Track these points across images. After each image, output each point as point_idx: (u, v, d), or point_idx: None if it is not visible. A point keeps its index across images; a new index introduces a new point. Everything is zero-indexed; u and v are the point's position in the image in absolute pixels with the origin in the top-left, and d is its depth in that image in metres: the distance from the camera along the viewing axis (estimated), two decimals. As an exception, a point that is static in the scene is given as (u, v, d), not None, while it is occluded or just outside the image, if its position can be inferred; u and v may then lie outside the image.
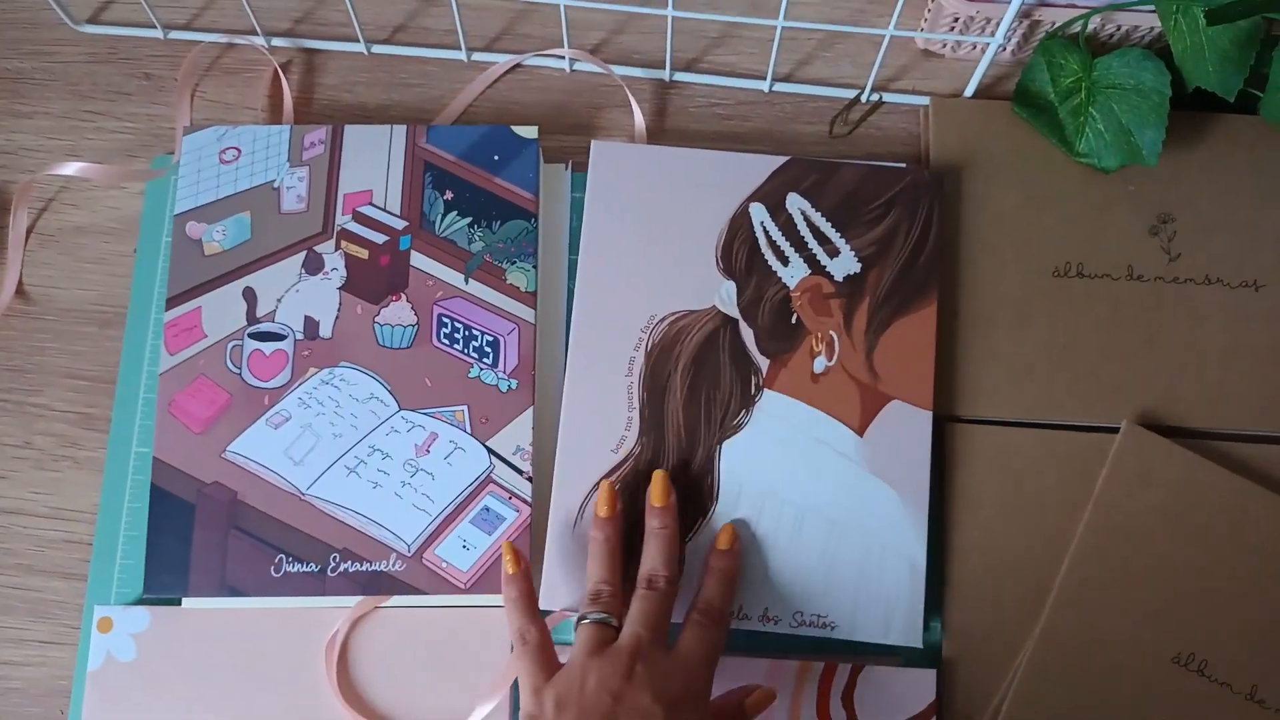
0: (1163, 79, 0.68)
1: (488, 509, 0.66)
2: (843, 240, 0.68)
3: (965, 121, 0.74)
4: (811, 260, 0.68)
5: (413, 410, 0.67)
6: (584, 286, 0.68)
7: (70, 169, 0.75)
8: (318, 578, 0.65)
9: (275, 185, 0.71)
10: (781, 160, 0.69)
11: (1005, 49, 0.75)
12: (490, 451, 0.66)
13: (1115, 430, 0.68)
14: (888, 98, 0.77)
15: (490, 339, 0.68)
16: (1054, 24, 0.71)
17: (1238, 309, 0.70)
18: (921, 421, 0.66)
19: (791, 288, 0.67)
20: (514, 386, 0.67)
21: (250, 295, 0.69)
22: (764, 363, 0.66)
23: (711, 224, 0.69)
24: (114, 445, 0.71)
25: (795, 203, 0.68)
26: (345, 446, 0.66)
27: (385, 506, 0.66)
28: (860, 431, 0.65)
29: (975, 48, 0.75)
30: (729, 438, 0.65)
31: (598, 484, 0.65)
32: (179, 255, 0.70)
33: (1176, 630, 0.65)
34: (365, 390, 0.67)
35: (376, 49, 0.79)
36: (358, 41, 0.78)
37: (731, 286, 0.67)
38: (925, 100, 0.76)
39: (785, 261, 0.68)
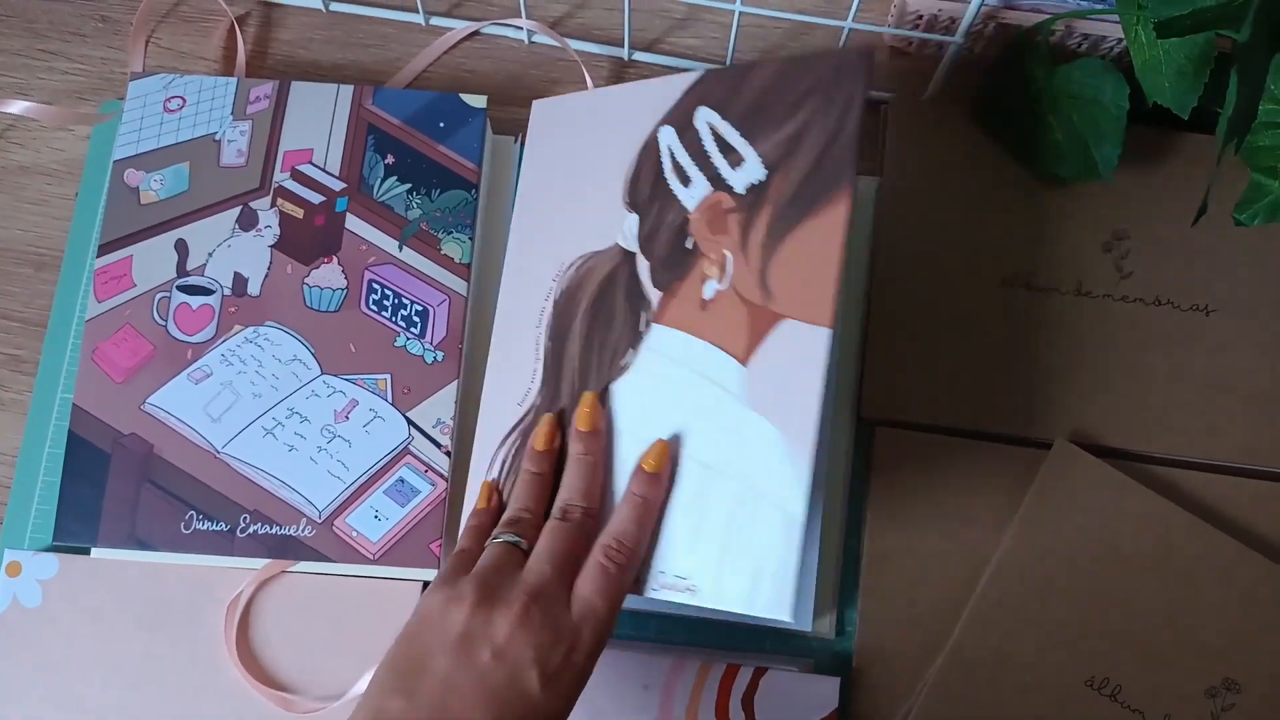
0: (1121, 91, 0.66)
1: (403, 481, 0.65)
2: (749, 146, 0.57)
3: (924, 121, 0.73)
4: (714, 176, 0.58)
5: (335, 375, 0.66)
6: (513, 242, 0.66)
7: (16, 107, 0.74)
8: (227, 537, 0.64)
9: (216, 138, 0.70)
10: (697, 74, 0.61)
11: (972, 51, 0.74)
12: (410, 423, 0.66)
13: (1048, 446, 0.67)
14: (850, 92, 0.75)
15: (420, 308, 0.67)
16: (1019, 28, 0.69)
17: (1185, 333, 0.69)
18: (816, 342, 0.52)
19: (691, 210, 0.59)
20: (440, 358, 0.66)
21: (182, 247, 0.68)
22: (656, 296, 0.59)
23: (623, 157, 0.63)
24: (39, 390, 0.70)
25: (703, 116, 0.60)
26: (264, 407, 0.66)
27: (299, 470, 0.65)
28: (744, 360, 0.55)
29: (941, 47, 0.74)
30: (616, 379, 0.59)
31: (505, 439, 0.63)
32: (114, 202, 0.69)
33: (1092, 653, 0.64)
34: (289, 351, 0.66)
35: (335, 7, 0.77)
36: (316, -2, 0.77)
37: (634, 220, 0.61)
38: (888, 97, 0.74)
39: (687, 182, 0.59)
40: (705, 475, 0.55)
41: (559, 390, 0.62)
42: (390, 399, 0.66)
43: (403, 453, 0.65)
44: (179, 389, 0.66)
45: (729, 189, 0.58)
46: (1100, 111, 0.67)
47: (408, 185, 0.69)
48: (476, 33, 0.77)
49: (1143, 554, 0.65)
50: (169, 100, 0.71)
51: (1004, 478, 0.67)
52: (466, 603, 0.51)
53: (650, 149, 0.62)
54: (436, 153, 0.69)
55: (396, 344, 0.67)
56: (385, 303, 0.67)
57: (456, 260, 0.68)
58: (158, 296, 0.67)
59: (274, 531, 0.64)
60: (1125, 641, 0.64)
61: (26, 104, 0.74)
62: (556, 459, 0.59)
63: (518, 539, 0.54)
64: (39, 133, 0.75)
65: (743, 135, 0.58)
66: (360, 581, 0.65)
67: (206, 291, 0.67)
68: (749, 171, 0.57)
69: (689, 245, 0.58)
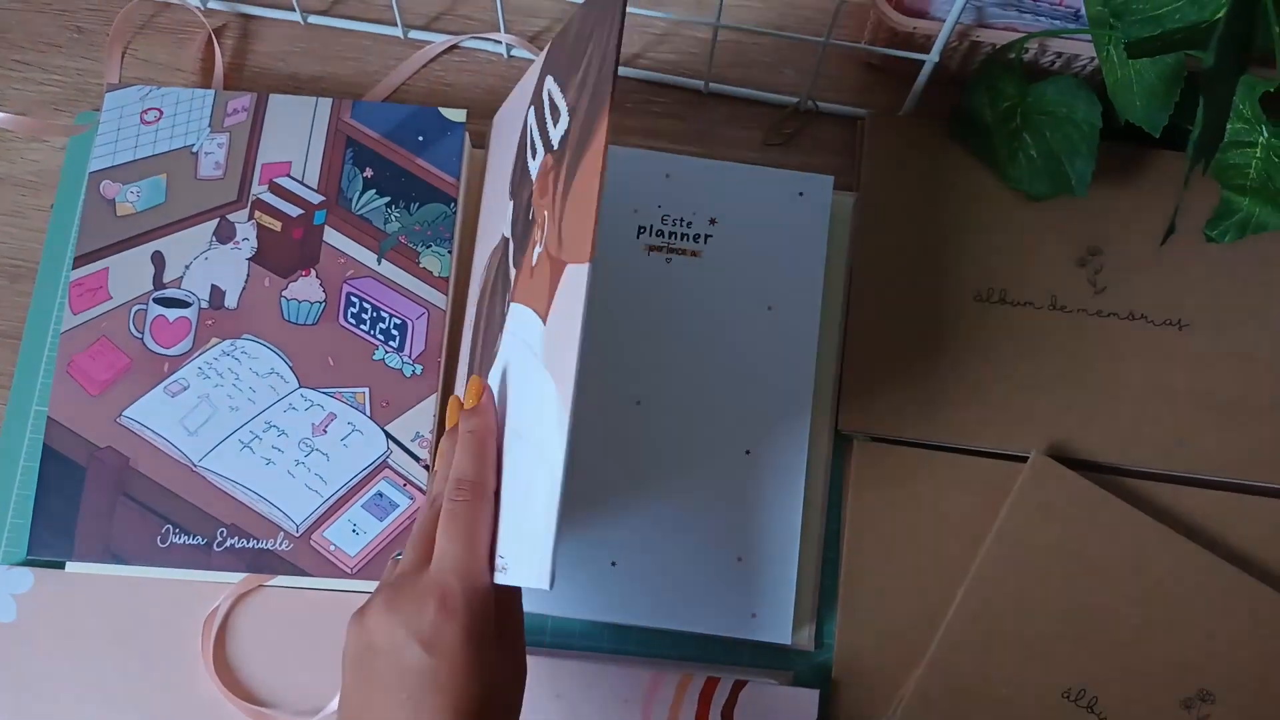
0: (1094, 109, 0.67)
1: (381, 495, 0.65)
2: (561, 98, 0.54)
3: (900, 137, 0.73)
4: (545, 139, 0.55)
5: (313, 389, 0.66)
6: (478, 245, 0.67)
7: (-9, 118, 0.73)
8: (203, 551, 0.63)
9: (194, 150, 0.70)
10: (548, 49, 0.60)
11: (947, 68, 0.74)
12: (389, 436, 0.65)
13: (1024, 459, 0.67)
14: (826, 108, 0.76)
15: (398, 322, 0.67)
16: (994, 46, 0.70)
17: (1159, 348, 0.70)
18: (577, 280, 0.47)
19: (534, 180, 0.56)
20: (418, 372, 0.66)
21: (159, 259, 0.68)
22: (514, 275, 0.57)
23: (512, 149, 0.63)
24: (14, 402, 0.70)
25: (547, 85, 0.57)
26: (241, 420, 0.65)
27: (277, 484, 0.64)
28: (545, 317, 0.50)
29: (916, 65, 0.74)
30: (490, 368, 0.57)
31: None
32: (90, 214, 0.68)
33: (1069, 665, 0.64)
34: (266, 365, 0.66)
35: (313, 19, 0.77)
36: (294, 10, 0.76)
37: (511, 207, 0.60)
38: (864, 113, 0.75)
39: (535, 154, 0.57)
40: (517, 447, 0.51)
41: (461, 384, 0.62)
42: (368, 412, 0.66)
43: (381, 466, 0.65)
44: (155, 402, 0.66)
45: (551, 148, 0.54)
46: (1074, 129, 0.68)
47: (386, 198, 0.69)
48: (455, 46, 0.77)
49: (1118, 566, 0.66)
50: (145, 112, 0.70)
51: (980, 491, 0.67)
52: (351, 628, 0.50)
53: (522, 134, 0.61)
54: (415, 166, 0.69)
55: (375, 357, 0.66)
56: (364, 316, 0.67)
57: (435, 274, 0.68)
58: (134, 309, 0.67)
59: (251, 545, 0.64)
60: (1101, 653, 0.64)
61: (2, 115, 0.73)
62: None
63: (400, 552, 0.53)
64: (13, 144, 0.75)
65: (561, 91, 0.55)
66: (338, 596, 0.65)
67: (183, 304, 0.67)
68: (561, 124, 0.54)
69: (530, 217, 0.55)
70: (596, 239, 0.46)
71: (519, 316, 0.54)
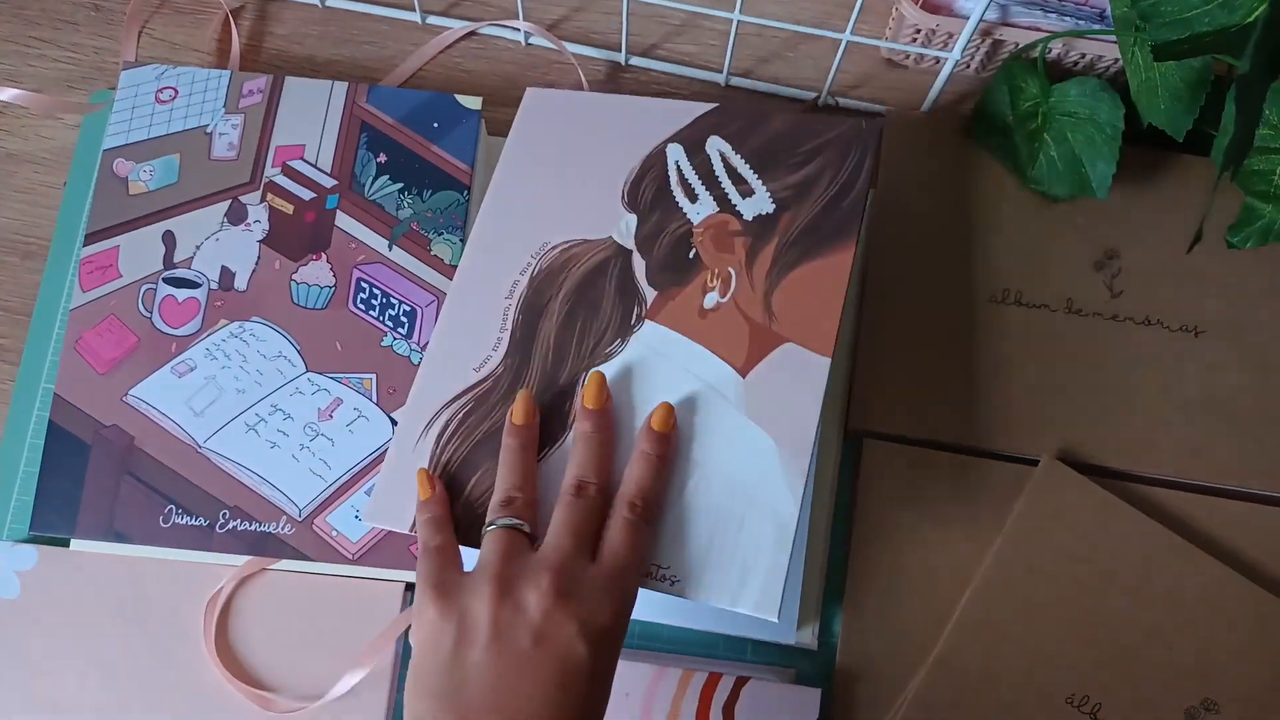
0: (1117, 112, 0.66)
1: (385, 481, 0.64)
2: (759, 182, 0.63)
3: (919, 136, 0.73)
4: (722, 199, 0.63)
5: (320, 373, 0.66)
6: (486, 213, 0.66)
7: (6, 95, 0.73)
8: (205, 532, 0.63)
9: (208, 130, 0.69)
10: (710, 106, 0.66)
11: (969, 66, 0.74)
12: (394, 423, 0.65)
13: (1035, 463, 0.67)
14: (846, 104, 0.75)
15: (408, 309, 0.67)
16: (1017, 45, 0.69)
17: (1174, 354, 0.69)
18: (816, 368, 0.57)
19: (696, 224, 0.63)
20: (427, 359, 0.66)
21: (170, 239, 0.67)
22: (651, 294, 0.62)
23: (625, 160, 0.65)
24: (22, 379, 0.70)
25: (715, 144, 0.64)
26: (247, 403, 0.65)
27: (281, 468, 0.64)
28: (743, 372, 0.58)
29: (938, 62, 0.74)
30: (598, 364, 0.60)
31: (452, 400, 0.62)
32: (103, 191, 0.68)
33: (1073, 671, 0.64)
34: (274, 348, 0.66)
35: (331, 2, 0.77)
36: (313, -7, 0.76)
37: (633, 220, 0.64)
38: (883, 110, 0.74)
39: (694, 199, 0.63)
40: (694, 473, 0.56)
41: (528, 364, 0.62)
42: (375, 399, 0.65)
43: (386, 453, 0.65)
44: (162, 381, 0.65)
45: (737, 214, 0.62)
46: (1096, 130, 0.67)
47: (399, 184, 0.69)
48: (473, 33, 0.77)
49: (1126, 573, 0.65)
50: (161, 91, 0.70)
51: (990, 493, 0.67)
52: (486, 597, 0.50)
53: (656, 160, 0.65)
54: (429, 153, 0.69)
55: (383, 344, 0.66)
56: (374, 302, 0.67)
57: (446, 261, 0.68)
58: (143, 288, 0.67)
59: (253, 528, 0.63)
60: (1106, 660, 0.64)
61: (16, 91, 0.73)
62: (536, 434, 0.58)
63: (518, 521, 0.53)
64: (28, 120, 0.75)
65: (754, 170, 0.63)
66: (341, 581, 0.65)
67: (193, 284, 0.67)
68: (758, 203, 0.62)
69: (691, 256, 0.62)
70: (838, 340, 0.58)
71: (672, 342, 0.60)
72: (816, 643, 0.65)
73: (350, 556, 0.63)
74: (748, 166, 0.63)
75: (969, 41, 0.66)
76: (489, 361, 0.62)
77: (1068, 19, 0.68)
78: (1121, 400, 0.68)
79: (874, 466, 0.67)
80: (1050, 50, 0.70)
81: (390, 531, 0.63)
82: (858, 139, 0.63)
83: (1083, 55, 0.70)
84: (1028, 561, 0.65)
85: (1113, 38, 0.67)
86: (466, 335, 0.63)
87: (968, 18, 0.64)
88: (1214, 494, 0.67)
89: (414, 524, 0.57)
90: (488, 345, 0.63)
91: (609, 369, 0.60)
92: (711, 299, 0.60)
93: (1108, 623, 0.64)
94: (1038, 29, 0.69)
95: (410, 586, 0.65)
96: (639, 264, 0.63)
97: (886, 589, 0.66)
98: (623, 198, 0.64)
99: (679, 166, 0.64)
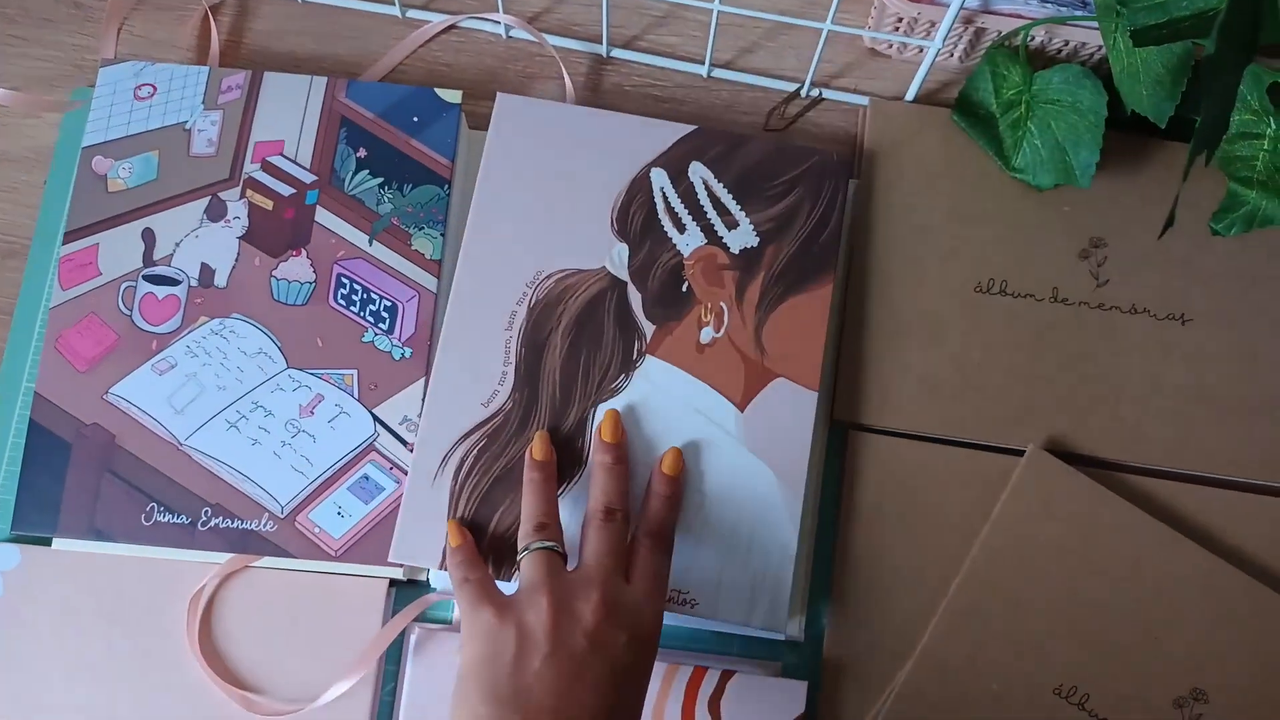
0: (1099, 99, 0.66)
1: (367, 477, 0.64)
2: (742, 213, 0.66)
3: (903, 125, 0.72)
4: (709, 230, 0.66)
5: (301, 369, 0.65)
6: (472, 238, 0.66)
7: (-14, 93, 0.73)
8: (187, 530, 0.63)
9: (187, 127, 0.69)
10: (689, 129, 0.68)
11: (952, 55, 0.73)
12: (376, 419, 0.65)
13: (1021, 453, 0.66)
14: (829, 94, 0.75)
15: (389, 304, 0.66)
16: (999, 33, 0.69)
17: (1161, 342, 0.69)
18: (805, 402, 0.63)
19: (686, 255, 0.66)
20: (408, 355, 0.66)
21: (149, 236, 0.67)
22: (649, 328, 0.65)
23: (610, 185, 0.67)
24: (3, 378, 0.69)
25: (698, 171, 0.67)
26: (228, 400, 0.65)
27: (262, 465, 0.64)
28: (741, 406, 0.63)
29: (920, 50, 0.73)
30: (605, 400, 0.64)
31: (465, 436, 0.63)
32: (82, 189, 0.68)
33: (1061, 661, 0.63)
34: (255, 344, 0.66)
35: (310, -2, 0.77)
36: (291, -12, 0.76)
37: (624, 249, 0.66)
38: (866, 100, 0.74)
39: (682, 229, 0.66)
40: (703, 503, 0.62)
41: (536, 399, 0.63)
42: (356, 395, 0.65)
43: (368, 449, 0.64)
44: (143, 379, 0.65)
45: (725, 247, 0.66)
46: (1079, 118, 0.67)
47: (380, 179, 0.68)
48: (453, 26, 0.76)
49: (1114, 563, 0.65)
50: (140, 88, 0.70)
51: (977, 484, 0.66)
52: (543, 609, 0.54)
53: (641, 185, 0.67)
54: (410, 147, 0.69)
55: (364, 339, 0.66)
56: (354, 297, 0.66)
57: (427, 256, 0.67)
58: (123, 285, 0.66)
59: (235, 525, 0.63)
60: (1094, 650, 0.63)
61: (-4, 89, 0.73)
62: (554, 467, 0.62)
63: (553, 544, 0.57)
64: (8, 119, 0.74)
65: (736, 201, 0.66)
66: (323, 578, 0.64)
67: (173, 282, 0.66)
68: (743, 236, 0.66)
69: (684, 290, 0.65)
70: (823, 373, 0.64)
71: (673, 378, 0.64)
72: (803, 635, 0.65)
73: (333, 553, 0.63)
74: (730, 196, 0.66)
75: (951, 30, 0.66)
76: (496, 396, 0.63)
77: (1050, 6, 0.68)
78: (1108, 389, 0.68)
79: (860, 459, 0.67)
80: (1033, 38, 0.69)
81: (373, 528, 0.63)
82: (829, 172, 0.67)
83: (1065, 43, 0.70)
84: (1014, 552, 0.65)
85: (1095, 24, 0.66)
86: (469, 368, 0.64)
87: (949, 5, 0.64)
88: (1202, 483, 0.67)
89: (443, 561, 0.61)
90: (493, 379, 0.63)
91: (616, 404, 0.63)
92: (707, 334, 0.64)
93: (1096, 613, 0.64)
94: (1020, 16, 0.68)
95: (394, 583, 0.65)
96: (635, 296, 0.65)
97: (873, 581, 0.65)
98: (612, 225, 0.66)
99: (664, 193, 0.66)
